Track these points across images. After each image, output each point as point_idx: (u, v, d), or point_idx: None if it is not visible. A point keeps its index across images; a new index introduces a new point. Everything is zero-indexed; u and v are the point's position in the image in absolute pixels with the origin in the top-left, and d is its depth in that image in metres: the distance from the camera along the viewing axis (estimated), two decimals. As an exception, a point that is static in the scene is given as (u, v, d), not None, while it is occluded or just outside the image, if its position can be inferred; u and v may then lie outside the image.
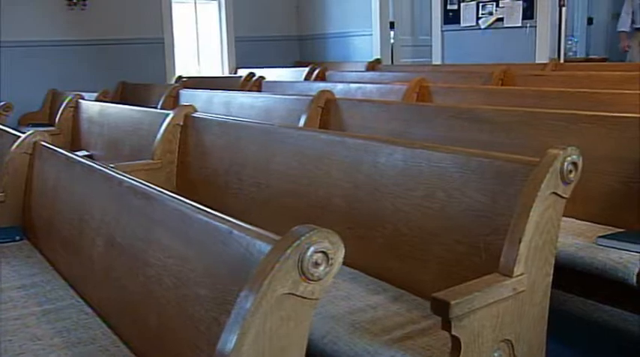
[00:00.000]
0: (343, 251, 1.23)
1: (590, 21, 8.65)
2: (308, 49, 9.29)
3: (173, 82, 7.39)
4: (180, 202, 1.67)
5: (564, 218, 2.62)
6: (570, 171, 1.63)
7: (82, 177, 2.40)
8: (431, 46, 7.56)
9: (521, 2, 6.56)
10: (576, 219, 2.61)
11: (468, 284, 1.51)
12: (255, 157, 2.94)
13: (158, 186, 3.54)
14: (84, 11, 7.61)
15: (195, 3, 8.74)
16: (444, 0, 7.29)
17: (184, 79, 7.20)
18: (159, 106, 5.83)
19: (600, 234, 2.37)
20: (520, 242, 1.56)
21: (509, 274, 1.56)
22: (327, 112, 3.99)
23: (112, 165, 3.58)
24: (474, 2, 7.00)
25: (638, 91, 3.37)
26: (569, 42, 7.68)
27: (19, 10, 7.17)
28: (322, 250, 1.20)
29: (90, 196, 2.29)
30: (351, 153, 2.37)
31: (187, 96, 5.68)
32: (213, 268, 1.43)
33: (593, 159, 2.61)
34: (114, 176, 2.14)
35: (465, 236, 1.86)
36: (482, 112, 3.12)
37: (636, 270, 2.08)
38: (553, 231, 1.64)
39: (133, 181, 2.01)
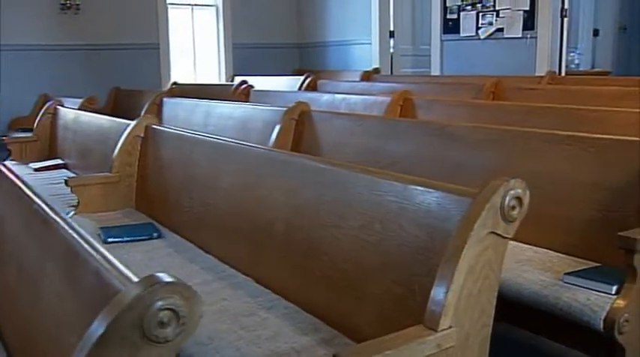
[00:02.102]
0: (197, 310, 0.99)
1: (596, 32, 8.38)
2: (308, 57, 9.09)
3: (168, 88, 7.19)
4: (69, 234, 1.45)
5: (538, 249, 2.42)
6: (513, 207, 1.39)
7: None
8: (430, 55, 7.33)
9: (521, 12, 6.32)
10: (551, 250, 2.38)
11: (383, 339, 1.28)
12: (205, 173, 2.74)
13: (115, 201, 3.39)
14: (77, 15, 7.44)
15: (192, 8, 8.57)
16: (444, 9, 7.06)
17: (173, 87, 7.01)
18: (141, 114, 5.65)
19: (572, 269, 2.14)
20: (448, 290, 1.33)
21: (434, 328, 1.33)
22: (301, 125, 3.78)
23: (66, 178, 3.41)
24: (473, 12, 6.77)
25: (628, 109, 3.12)
26: (572, 54, 7.42)
27: (12, 14, 7.02)
28: (170, 307, 0.97)
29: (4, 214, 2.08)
30: (293, 174, 2.15)
31: (170, 104, 5.50)
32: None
33: (571, 184, 2.39)
34: (26, 196, 1.92)
35: (401, 275, 1.63)
36: (456, 129, 2.90)
37: (603, 314, 1.84)
38: (492, 276, 1.40)
39: (40, 203, 1.79)
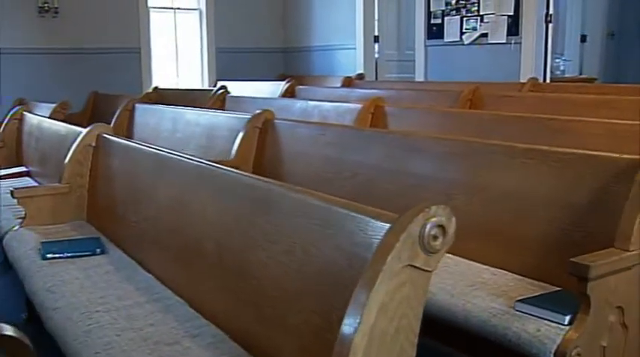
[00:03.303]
0: None
1: (583, 38, 8.23)
2: (293, 62, 8.94)
3: (144, 93, 7.02)
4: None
5: (495, 270, 2.26)
6: (435, 237, 1.23)
7: None
8: (414, 61, 7.18)
9: (505, 17, 6.17)
10: (509, 271, 2.22)
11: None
12: (147, 186, 2.58)
13: (65, 213, 3.23)
14: (56, 19, 7.29)
15: (174, 12, 8.42)
16: (428, 14, 6.91)
17: (150, 92, 6.85)
18: (113, 121, 5.50)
19: (529, 294, 1.98)
20: (356, 331, 1.16)
21: (340, 373, 1.17)
22: (265, 134, 3.62)
23: (12, 188, 3.24)
24: (457, 16, 6.62)
25: (601, 120, 2.97)
26: (557, 60, 7.26)
27: (-11, 17, 6.88)
28: None
29: None
30: (226, 191, 1.99)
31: (141, 110, 5.35)
32: None
33: (532, 201, 2.24)
34: None
35: (321, 305, 1.47)
36: (418, 140, 2.75)
37: (554, 347, 1.68)
38: (411, 314, 1.24)
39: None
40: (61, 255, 2.66)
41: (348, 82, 6.54)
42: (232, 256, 1.89)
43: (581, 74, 8.03)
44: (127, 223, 2.73)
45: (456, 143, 2.54)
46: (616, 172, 2.01)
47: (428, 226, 1.22)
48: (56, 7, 7.22)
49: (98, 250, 2.71)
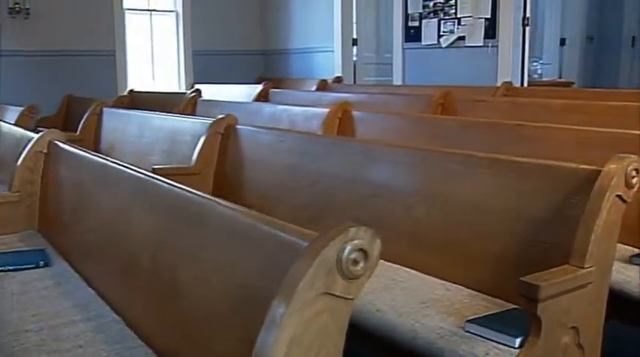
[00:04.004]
0: None
1: (562, 42, 8.15)
2: (272, 64, 8.82)
3: (116, 97, 6.88)
4: None
5: (451, 286, 2.15)
6: (355, 262, 1.12)
7: None
8: (391, 64, 7.08)
9: (483, 20, 6.08)
10: (465, 287, 2.11)
11: None
12: (92, 196, 2.46)
13: (14, 223, 3.09)
14: (27, 20, 7.13)
15: (150, 14, 8.28)
16: (406, 16, 6.81)
17: (122, 96, 6.72)
18: (80, 125, 5.37)
19: (484, 312, 1.87)
20: (263, 368, 1.05)
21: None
22: (227, 139, 3.51)
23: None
24: (435, 19, 6.52)
25: (568, 126, 2.87)
26: (534, 64, 7.18)
27: (-43, 18, 6.73)
28: None
29: None
30: (161, 203, 1.88)
31: (109, 115, 5.21)
32: None
33: (489, 213, 2.13)
34: None
35: (247, 333, 1.34)
36: (376, 148, 2.64)
37: (502, 372, 1.57)
38: (331, 345, 1.13)
39: None
40: (2, 268, 2.53)
41: (323, 86, 6.44)
42: (164, 273, 1.78)
43: (560, 78, 7.95)
44: (73, 235, 2.61)
45: (414, 152, 2.44)
46: (575, 184, 1.90)
47: (347, 250, 1.11)
48: (27, 8, 7.06)
49: (42, 263, 2.58)
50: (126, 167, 2.20)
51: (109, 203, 2.26)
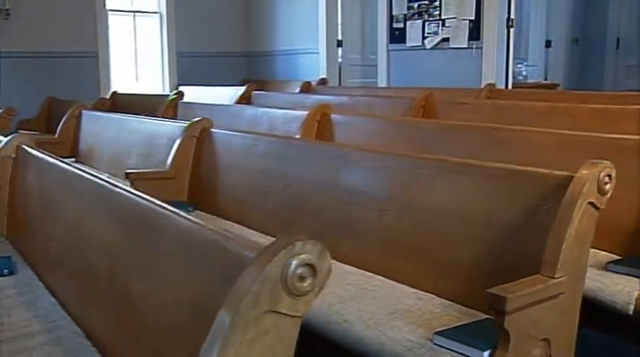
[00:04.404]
0: None
1: (548, 44, 8.12)
2: (257, 66, 8.75)
3: (96, 99, 6.79)
4: None
5: (423, 294, 2.08)
6: (302, 278, 1.05)
7: None
8: (376, 65, 7.03)
9: (467, 22, 6.03)
10: (437, 296, 2.05)
11: None
12: (55, 202, 2.39)
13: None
14: (7, 21, 7.04)
15: (134, 15, 8.19)
16: (390, 18, 6.76)
17: (103, 98, 6.64)
18: (59, 128, 5.29)
19: (455, 322, 1.81)
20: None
21: None
22: (202, 143, 3.44)
23: None
24: (419, 21, 6.47)
25: (545, 130, 2.82)
26: (519, 65, 7.14)
27: (-64, 19, 6.64)
28: None
29: None
30: (119, 212, 1.81)
31: (87, 117, 5.14)
32: None
33: (462, 220, 2.07)
34: None
35: (199, 349, 1.28)
36: (349, 153, 2.58)
37: (467, 388, 1.51)
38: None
39: None
40: (-36, 277, 2.45)
41: (306, 88, 6.37)
42: (120, 284, 1.71)
43: (546, 80, 7.92)
44: (39, 242, 2.53)
45: (387, 157, 2.38)
46: (547, 190, 1.85)
47: (292, 266, 1.04)
48: (7, 9, 6.98)
49: (6, 271, 2.50)
50: (88, 174, 2.12)
51: (72, 211, 2.19)
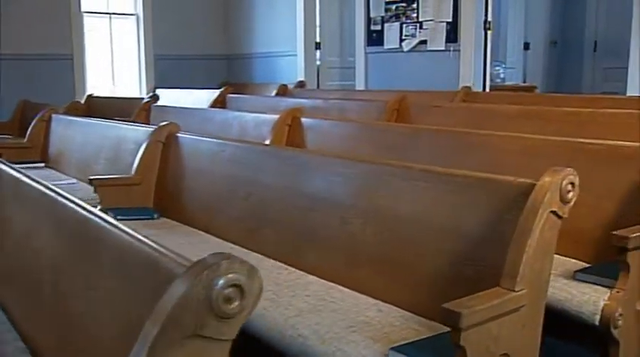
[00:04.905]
0: None
1: (526, 46, 8.09)
2: (236, 69, 8.66)
3: (68, 103, 6.67)
4: None
5: (384, 306, 2.00)
6: (229, 299, 0.98)
7: None
8: (355, 68, 6.96)
9: (444, 24, 5.98)
10: (400, 308, 1.98)
11: None
12: (7, 214, 2.29)
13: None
14: (-19, 24, 6.91)
15: (110, 17, 8.08)
16: (368, 20, 6.70)
17: (75, 101, 6.53)
18: (28, 132, 5.18)
19: (414, 337, 1.74)
20: None
21: None
22: (168, 148, 3.36)
23: None
24: (397, 23, 6.42)
25: (514, 133, 2.76)
26: (497, 68, 7.11)
27: None
28: None
29: None
30: (63, 222, 1.72)
31: (57, 121, 5.03)
32: None
33: (425, 229, 2.00)
34: None
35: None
36: (312, 158, 2.52)
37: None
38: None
39: None
40: None
41: (283, 91, 6.29)
42: (62, 299, 1.63)
43: (524, 82, 7.89)
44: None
45: (349, 163, 2.31)
46: (510, 199, 1.78)
47: (218, 286, 0.97)
48: (-22, 11, 6.85)
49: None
50: (36, 182, 2.04)
51: (21, 221, 2.10)
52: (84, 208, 1.63)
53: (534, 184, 1.71)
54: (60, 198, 1.79)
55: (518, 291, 1.58)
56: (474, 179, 1.93)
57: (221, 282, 0.97)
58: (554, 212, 1.67)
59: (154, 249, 1.22)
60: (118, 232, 1.41)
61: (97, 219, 1.53)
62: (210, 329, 0.98)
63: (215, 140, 3.09)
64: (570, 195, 1.69)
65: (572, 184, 1.69)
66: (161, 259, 1.17)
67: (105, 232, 1.46)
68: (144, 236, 1.23)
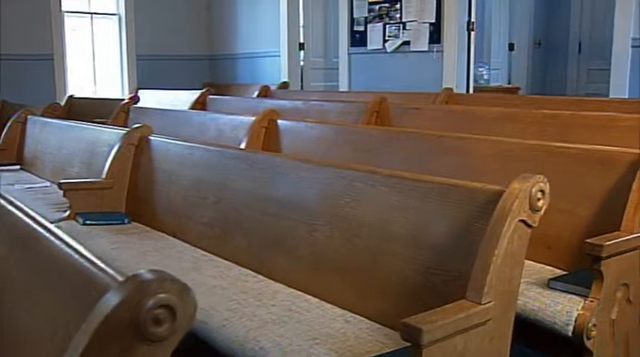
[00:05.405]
0: None
1: (511, 47, 8.05)
2: (219, 69, 8.58)
3: (47, 105, 6.56)
4: None
5: (353, 317, 1.92)
6: (157, 321, 0.90)
7: None
8: (337, 69, 6.90)
9: (427, 25, 5.92)
10: (367, 318, 1.92)
11: None
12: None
13: None
14: (-45, 22, 6.79)
15: (91, 17, 7.98)
16: (351, 21, 6.64)
17: (53, 103, 6.41)
18: (3, 134, 5.08)
19: (377, 350, 1.68)
20: None
21: None
22: (140, 151, 3.28)
23: None
24: (380, 24, 6.36)
25: (488, 137, 2.70)
26: (480, 69, 7.06)
27: None
28: None
29: None
30: (6, 235, 1.64)
31: (32, 123, 4.93)
32: None
33: (392, 237, 1.94)
34: None
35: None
36: (281, 163, 2.44)
37: None
38: None
39: None
40: None
41: (265, 92, 6.21)
42: (6, 314, 1.54)
43: (510, 83, 7.84)
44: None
45: (317, 167, 2.24)
46: (479, 206, 1.72)
47: (146, 307, 0.89)
48: (-44, 10, 6.74)
49: None
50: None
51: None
52: (28, 216, 1.55)
53: (503, 191, 1.65)
54: (9, 206, 1.71)
55: (484, 304, 1.51)
56: (441, 185, 1.86)
57: (150, 302, 0.90)
58: (523, 221, 1.60)
59: (92, 262, 1.14)
60: (58, 244, 1.33)
61: (40, 229, 1.45)
62: (139, 354, 0.91)
63: (185, 143, 3.02)
64: (540, 203, 1.62)
65: (543, 191, 1.63)
66: (97, 274, 1.10)
67: (47, 244, 1.38)
68: (85, 248, 1.16)
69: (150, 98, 6.70)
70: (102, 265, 1.11)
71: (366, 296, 1.95)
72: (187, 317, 0.93)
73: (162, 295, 0.91)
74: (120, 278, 1.02)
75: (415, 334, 1.35)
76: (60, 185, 3.22)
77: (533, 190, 1.61)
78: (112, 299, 0.91)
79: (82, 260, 1.17)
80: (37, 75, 7.28)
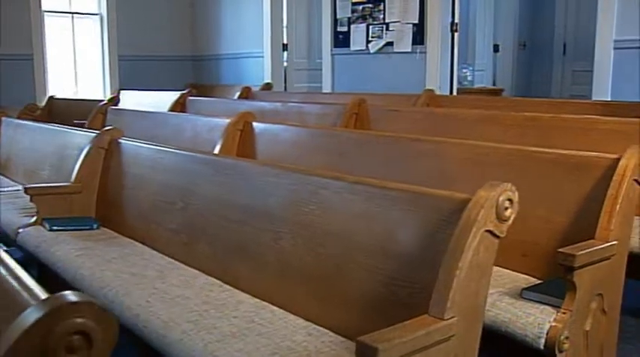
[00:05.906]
0: None
1: (496, 48, 8.00)
2: (202, 70, 8.49)
3: (24, 106, 6.45)
4: None
5: (317, 329, 1.85)
6: (71, 349, 0.83)
7: None
8: (321, 70, 6.82)
9: (411, 26, 5.86)
10: (331, 331, 1.84)
11: None
12: None
13: None
14: None
15: (72, 16, 7.87)
16: (334, 21, 6.57)
17: (31, 104, 6.31)
18: (-23, 136, 4.98)
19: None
20: None
21: None
22: (110, 154, 3.20)
23: None
24: (363, 24, 6.29)
25: (464, 140, 2.64)
26: (464, 70, 7.00)
27: None
28: None
29: None
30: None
31: (6, 125, 4.83)
32: None
33: (356, 246, 1.86)
34: None
35: None
36: (247, 167, 2.37)
37: None
38: None
39: None
40: None
41: (246, 93, 6.13)
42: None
43: (494, 84, 7.79)
44: None
45: (281, 173, 2.16)
46: (446, 215, 1.64)
47: (58, 334, 0.81)
48: None
49: None
50: None
51: None
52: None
53: (469, 200, 1.57)
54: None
55: (447, 319, 1.44)
56: (408, 193, 1.79)
57: (63, 327, 0.82)
58: (489, 231, 1.53)
59: (17, 277, 1.06)
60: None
61: None
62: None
63: (155, 147, 2.93)
64: (508, 212, 1.55)
65: (511, 200, 1.55)
66: (18, 291, 1.02)
67: None
68: (6, 266, 1.07)
69: (130, 99, 6.61)
70: (27, 281, 1.03)
71: (330, 307, 1.88)
72: (107, 344, 0.85)
73: (77, 320, 0.83)
74: (42, 297, 0.94)
75: (370, 353, 1.28)
76: (26, 190, 3.13)
77: (501, 198, 1.54)
78: (25, 321, 0.83)
79: (5, 274, 1.09)
80: (16, 75, 7.17)
